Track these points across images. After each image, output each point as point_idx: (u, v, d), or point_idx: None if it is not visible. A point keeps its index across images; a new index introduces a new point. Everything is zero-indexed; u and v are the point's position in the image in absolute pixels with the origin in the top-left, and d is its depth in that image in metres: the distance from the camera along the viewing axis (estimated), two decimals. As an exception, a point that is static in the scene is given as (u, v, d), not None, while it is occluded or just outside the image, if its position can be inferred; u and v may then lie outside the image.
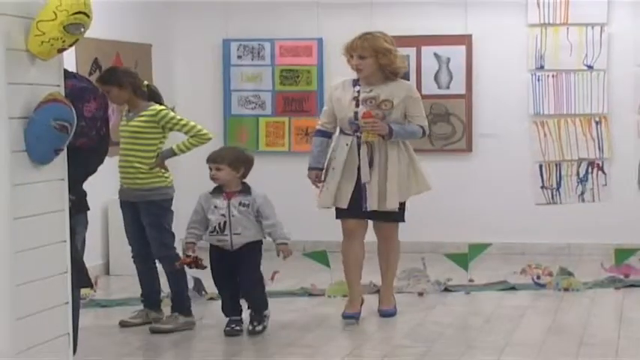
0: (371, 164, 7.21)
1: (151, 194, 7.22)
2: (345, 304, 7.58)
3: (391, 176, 7.25)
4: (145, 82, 7.41)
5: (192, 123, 7.28)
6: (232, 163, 7.09)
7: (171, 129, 7.26)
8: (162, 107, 7.28)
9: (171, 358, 6.84)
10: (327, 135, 7.47)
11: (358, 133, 7.23)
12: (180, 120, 7.25)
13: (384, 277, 7.76)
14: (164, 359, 6.81)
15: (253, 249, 7.24)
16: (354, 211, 7.35)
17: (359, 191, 7.26)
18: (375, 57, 7.18)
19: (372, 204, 7.27)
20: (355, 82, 7.32)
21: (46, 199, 4.44)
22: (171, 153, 7.29)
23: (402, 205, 7.45)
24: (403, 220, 7.60)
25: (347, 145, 7.27)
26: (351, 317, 7.42)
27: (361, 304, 7.60)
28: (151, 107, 7.24)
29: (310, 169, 7.51)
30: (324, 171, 7.43)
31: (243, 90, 11.01)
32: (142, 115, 7.23)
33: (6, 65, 4.14)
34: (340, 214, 7.49)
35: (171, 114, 7.27)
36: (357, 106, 7.24)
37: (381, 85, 7.26)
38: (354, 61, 7.24)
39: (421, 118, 7.39)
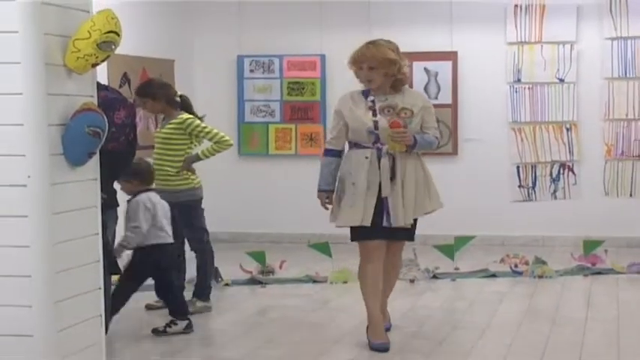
0: (392, 177, 6.05)
1: (180, 195, 7.22)
2: (368, 331, 6.26)
3: (410, 190, 6.11)
4: (179, 93, 7.41)
5: (215, 131, 7.27)
6: (127, 176, 6.54)
7: (196, 136, 7.26)
8: (189, 116, 7.26)
9: (191, 336, 6.84)
10: (337, 154, 6.23)
11: (379, 145, 6.04)
12: (205, 128, 7.24)
13: (383, 292, 6.44)
14: (185, 336, 6.81)
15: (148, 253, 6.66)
16: (375, 229, 6.11)
17: (379, 207, 6.05)
18: (384, 67, 6.11)
19: (395, 219, 6.06)
20: (365, 93, 6.20)
21: (80, 196, 4.45)
22: (196, 158, 7.28)
23: (415, 222, 6.27)
24: (413, 239, 6.52)
25: (366, 158, 6.04)
26: (381, 347, 6.12)
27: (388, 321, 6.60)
28: (180, 116, 7.24)
29: (320, 191, 6.28)
30: (337, 187, 6.23)
31: (255, 100, 11.01)
32: (172, 123, 7.24)
33: (46, 78, 4.15)
34: (360, 234, 6.20)
35: (197, 122, 7.25)
36: (375, 115, 6.08)
37: (395, 94, 6.16)
38: (364, 72, 6.14)
39: (435, 129, 6.31)
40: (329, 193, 6.23)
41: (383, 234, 6.13)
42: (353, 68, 6.21)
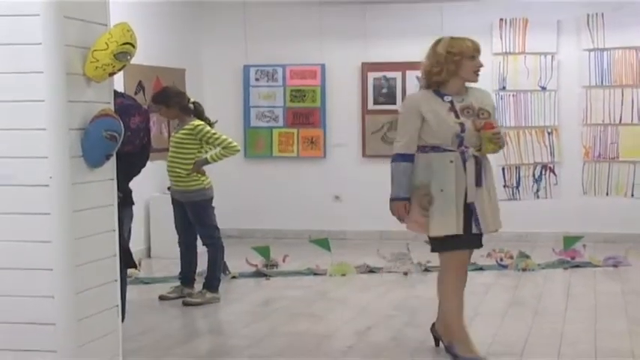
0: (478, 182, 5.32)
1: (191, 195, 7.24)
2: (459, 347, 5.49)
3: (494, 194, 5.48)
4: (192, 100, 7.41)
5: (223, 137, 7.25)
6: None
7: (206, 141, 7.25)
8: (200, 123, 7.24)
9: (201, 325, 6.84)
10: (412, 159, 5.31)
11: (463, 148, 5.26)
12: (214, 134, 7.23)
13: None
14: (196, 325, 6.81)
15: None
16: (464, 237, 5.35)
17: (467, 213, 5.32)
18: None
19: (486, 226, 5.39)
20: (438, 93, 5.37)
21: (98, 195, 4.44)
22: (205, 161, 7.28)
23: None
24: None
25: (451, 162, 5.25)
26: None
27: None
28: (191, 122, 7.24)
29: (399, 199, 5.37)
30: (421, 196, 5.32)
31: (260, 106, 11.00)
32: (184, 129, 7.24)
33: (67, 86, 4.15)
34: (450, 244, 5.37)
35: (207, 129, 7.23)
36: (457, 117, 5.30)
37: (467, 94, 5.44)
38: (477, 63, 5.43)
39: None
40: (407, 203, 5.36)
41: (470, 242, 5.43)
42: (456, 58, 5.33)
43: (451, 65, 5.32)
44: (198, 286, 7.49)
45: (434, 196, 5.26)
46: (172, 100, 7.25)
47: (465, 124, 5.28)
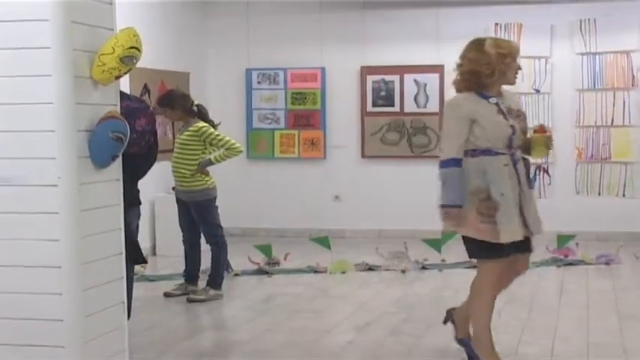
0: (529, 184, 5.09)
1: (195, 195, 7.25)
2: (482, 354, 5.19)
3: (534, 197, 5.21)
4: (196, 103, 7.41)
5: (227, 138, 7.26)
6: None
7: (210, 143, 7.25)
8: (204, 125, 7.25)
9: (205, 321, 6.84)
10: (461, 164, 4.97)
11: (512, 150, 4.95)
12: (218, 136, 7.24)
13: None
14: (200, 321, 6.81)
15: None
16: (510, 243, 4.96)
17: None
18: None
19: (535, 228, 5.06)
20: (482, 95, 5.06)
21: (105, 195, 4.45)
22: (209, 162, 7.28)
23: None
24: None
25: (505, 165, 4.91)
26: None
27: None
28: (196, 124, 7.24)
29: (454, 206, 4.99)
30: (480, 201, 4.92)
31: (262, 108, 11.01)
32: (188, 131, 7.25)
33: (75, 89, 4.16)
34: (497, 250, 4.95)
35: (211, 130, 7.24)
36: (506, 119, 4.98)
37: (503, 95, 5.15)
38: (518, 64, 5.14)
39: None
40: (461, 209, 4.95)
41: (518, 247, 5.04)
42: (507, 60, 5.02)
43: (502, 66, 5.01)
44: (201, 283, 7.49)
45: (498, 202, 4.87)
46: (177, 102, 7.26)
47: (514, 125, 4.98)
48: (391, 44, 10.61)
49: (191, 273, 7.52)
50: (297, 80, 10.90)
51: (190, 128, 7.23)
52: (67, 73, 4.13)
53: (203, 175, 7.26)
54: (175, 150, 7.32)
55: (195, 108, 7.33)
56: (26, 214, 4.19)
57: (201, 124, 7.24)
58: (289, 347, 5.91)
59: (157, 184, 9.33)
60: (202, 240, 7.49)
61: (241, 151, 7.41)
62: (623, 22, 10.12)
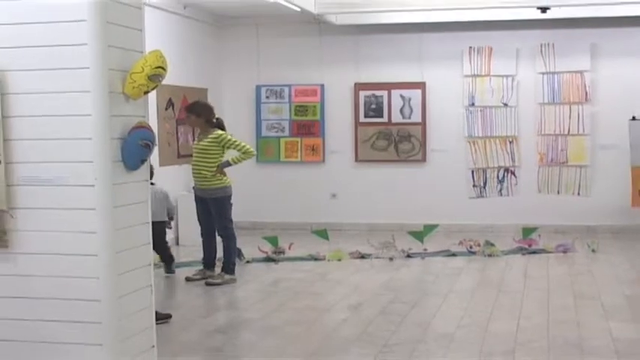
0: None
1: (214, 193, 7.24)
2: None
3: None
4: (216, 116, 7.41)
5: (242, 143, 7.28)
6: None
7: (228, 147, 7.25)
8: (223, 132, 7.25)
9: (221, 302, 6.84)
10: None
11: None
12: (235, 141, 7.25)
13: None
14: (216, 301, 6.81)
15: None
16: None
17: None
18: None
19: None
20: None
21: (134, 194, 4.44)
22: (227, 163, 7.28)
23: None
24: None
25: None
26: None
27: None
28: (216, 132, 7.24)
29: None
30: None
31: (270, 119, 11.00)
32: (209, 138, 7.23)
33: (109, 103, 4.16)
34: None
35: (229, 136, 7.25)
36: None
37: None
38: None
39: None
40: None
41: None
42: None
43: None
44: (217, 269, 7.49)
45: None
46: (203, 111, 7.26)
47: None
48: (381, 64, 10.60)
49: (208, 260, 7.51)
50: (300, 95, 10.89)
51: (210, 136, 7.23)
52: (103, 90, 4.13)
53: (221, 175, 7.26)
54: (195, 155, 7.31)
55: (214, 120, 7.33)
56: (68, 210, 4.19)
57: (220, 131, 7.25)
58: (293, 324, 5.91)
59: (180, 184, 9.33)
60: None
61: (254, 154, 7.43)
62: (577, 46, 10.12)
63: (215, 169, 7.19)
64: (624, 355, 5.01)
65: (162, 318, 5.78)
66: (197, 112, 7.25)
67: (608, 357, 4.98)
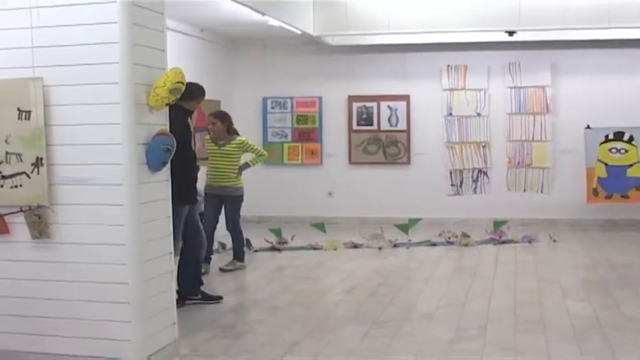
0: None
1: (235, 191, 7.18)
2: None
3: None
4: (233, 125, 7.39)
5: (258, 147, 7.35)
6: None
7: (247, 151, 7.24)
8: (245, 138, 7.24)
9: (232, 285, 6.83)
10: None
11: None
12: (253, 145, 7.25)
13: None
14: (228, 285, 6.81)
15: None
16: None
17: None
18: None
19: None
20: None
21: (157, 192, 4.46)
22: (247, 165, 7.27)
23: None
24: None
25: None
26: None
27: None
28: (239, 138, 7.19)
29: None
30: None
31: (275, 127, 10.99)
32: (232, 143, 7.14)
33: (136, 113, 4.18)
34: None
35: (250, 142, 7.26)
36: None
37: None
38: None
39: None
40: None
41: None
42: None
43: None
44: (229, 257, 7.47)
45: None
46: (227, 119, 7.22)
47: None
48: (371, 79, 10.61)
49: (207, 252, 7.37)
50: (301, 106, 10.89)
51: (234, 141, 7.15)
52: (130, 101, 4.15)
53: (239, 176, 7.23)
54: (220, 158, 7.16)
55: (233, 127, 7.31)
56: (100, 206, 4.21)
57: (243, 137, 7.23)
58: (296, 304, 5.92)
59: (199, 184, 9.32)
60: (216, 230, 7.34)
61: (267, 157, 7.56)
62: (540, 65, 10.14)
63: (236, 170, 7.17)
64: (579, 329, 5.03)
65: (214, 299, 5.94)
66: (222, 118, 7.21)
67: (565, 331, 5.00)
